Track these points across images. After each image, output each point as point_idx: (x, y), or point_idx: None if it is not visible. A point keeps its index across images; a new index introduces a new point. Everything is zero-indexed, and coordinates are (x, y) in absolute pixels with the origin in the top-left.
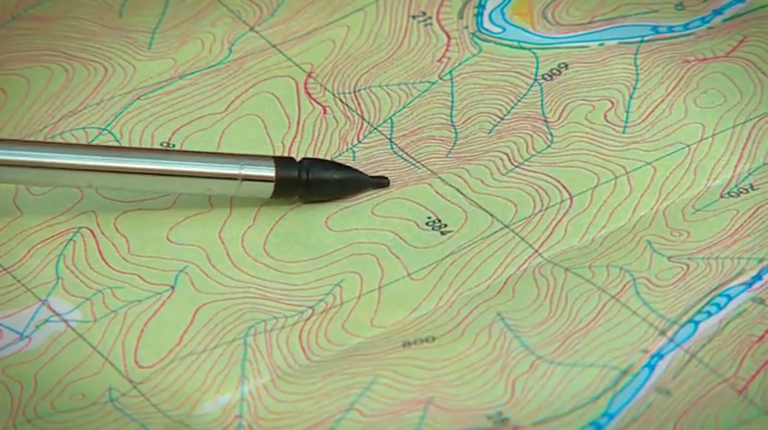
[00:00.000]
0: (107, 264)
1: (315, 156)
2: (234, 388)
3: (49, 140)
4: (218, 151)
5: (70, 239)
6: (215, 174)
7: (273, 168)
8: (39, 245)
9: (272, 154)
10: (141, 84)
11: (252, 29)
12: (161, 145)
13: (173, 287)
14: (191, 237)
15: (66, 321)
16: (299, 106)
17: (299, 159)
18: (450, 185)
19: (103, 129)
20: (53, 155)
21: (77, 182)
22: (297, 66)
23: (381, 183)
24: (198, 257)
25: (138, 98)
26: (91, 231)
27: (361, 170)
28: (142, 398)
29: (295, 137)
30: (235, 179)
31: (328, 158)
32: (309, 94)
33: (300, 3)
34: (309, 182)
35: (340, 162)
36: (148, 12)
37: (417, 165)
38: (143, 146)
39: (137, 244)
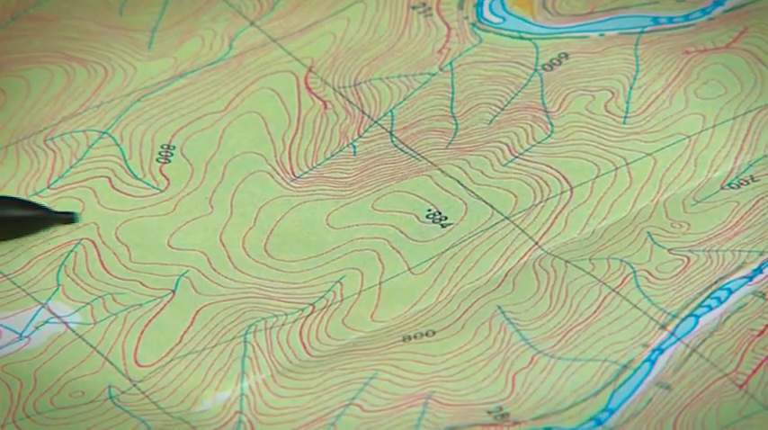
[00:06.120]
0: (108, 272)
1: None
2: (233, 384)
3: None
4: None
5: (72, 250)
6: None
7: None
8: (40, 256)
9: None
10: (142, 85)
11: (252, 23)
12: (161, 147)
13: (173, 291)
14: (192, 242)
15: (65, 323)
16: (299, 102)
17: None
18: (451, 177)
19: (104, 133)
20: None
21: None
22: (297, 60)
23: (68, 218)
24: (199, 261)
25: (139, 100)
26: (92, 242)
27: (47, 206)
28: (142, 395)
29: (296, 133)
30: None
31: (14, 196)
32: (310, 89)
33: None
34: None
35: (22, 199)
36: (148, 9)
37: (418, 157)
38: (143, 148)
39: (138, 252)
